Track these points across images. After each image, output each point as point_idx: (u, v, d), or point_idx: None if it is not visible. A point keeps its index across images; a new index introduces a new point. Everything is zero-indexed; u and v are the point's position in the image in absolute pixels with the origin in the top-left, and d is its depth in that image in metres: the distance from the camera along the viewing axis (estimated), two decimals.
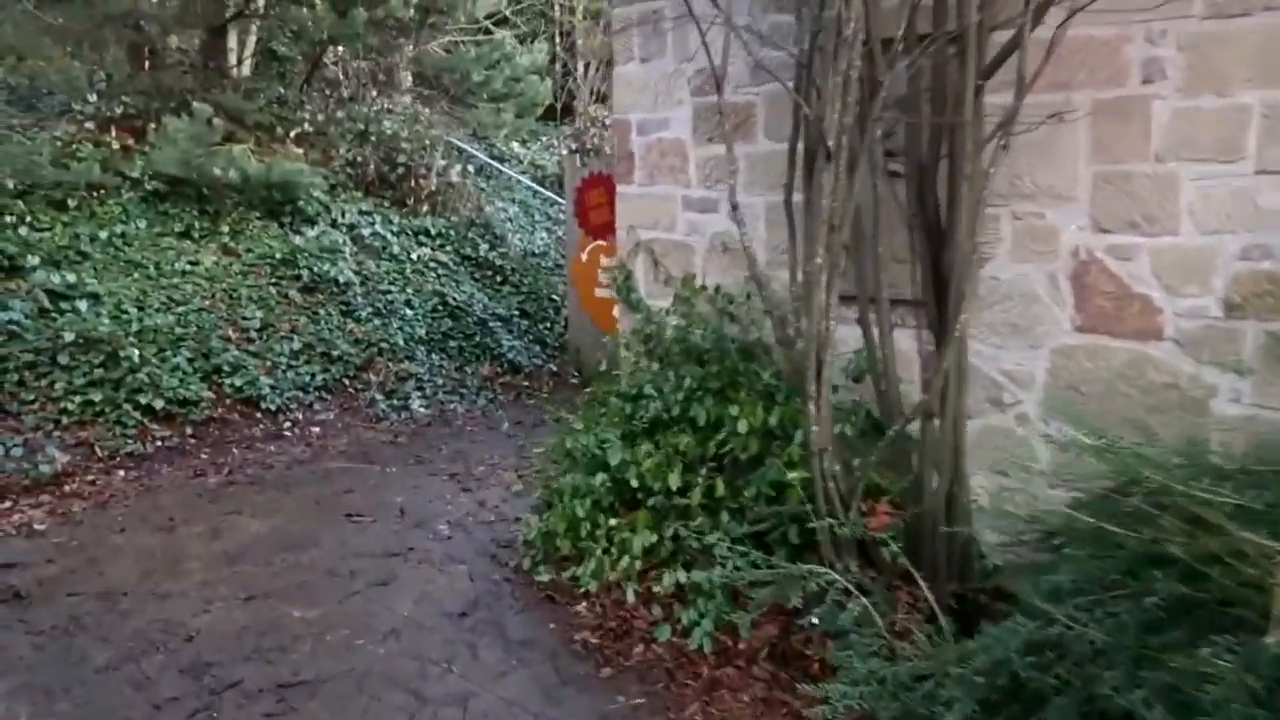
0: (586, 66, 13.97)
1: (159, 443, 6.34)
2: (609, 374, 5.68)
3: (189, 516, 5.36)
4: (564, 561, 4.54)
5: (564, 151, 12.30)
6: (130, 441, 6.17)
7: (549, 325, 9.68)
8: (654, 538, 4.21)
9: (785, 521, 3.86)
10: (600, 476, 4.50)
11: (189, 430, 6.57)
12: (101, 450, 6.01)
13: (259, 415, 7.07)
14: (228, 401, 6.99)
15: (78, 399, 6.18)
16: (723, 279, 4.99)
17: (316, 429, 7.19)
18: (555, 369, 9.22)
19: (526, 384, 8.79)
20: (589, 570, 4.31)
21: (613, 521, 4.41)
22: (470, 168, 10.95)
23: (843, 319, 3.71)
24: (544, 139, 12.99)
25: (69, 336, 6.37)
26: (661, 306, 5.28)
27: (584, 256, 8.95)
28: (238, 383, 7.04)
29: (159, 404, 6.47)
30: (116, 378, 6.42)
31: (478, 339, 8.80)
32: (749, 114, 4.74)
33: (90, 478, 5.79)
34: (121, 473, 5.95)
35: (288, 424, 7.13)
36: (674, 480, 4.20)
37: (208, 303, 7.64)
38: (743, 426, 4.13)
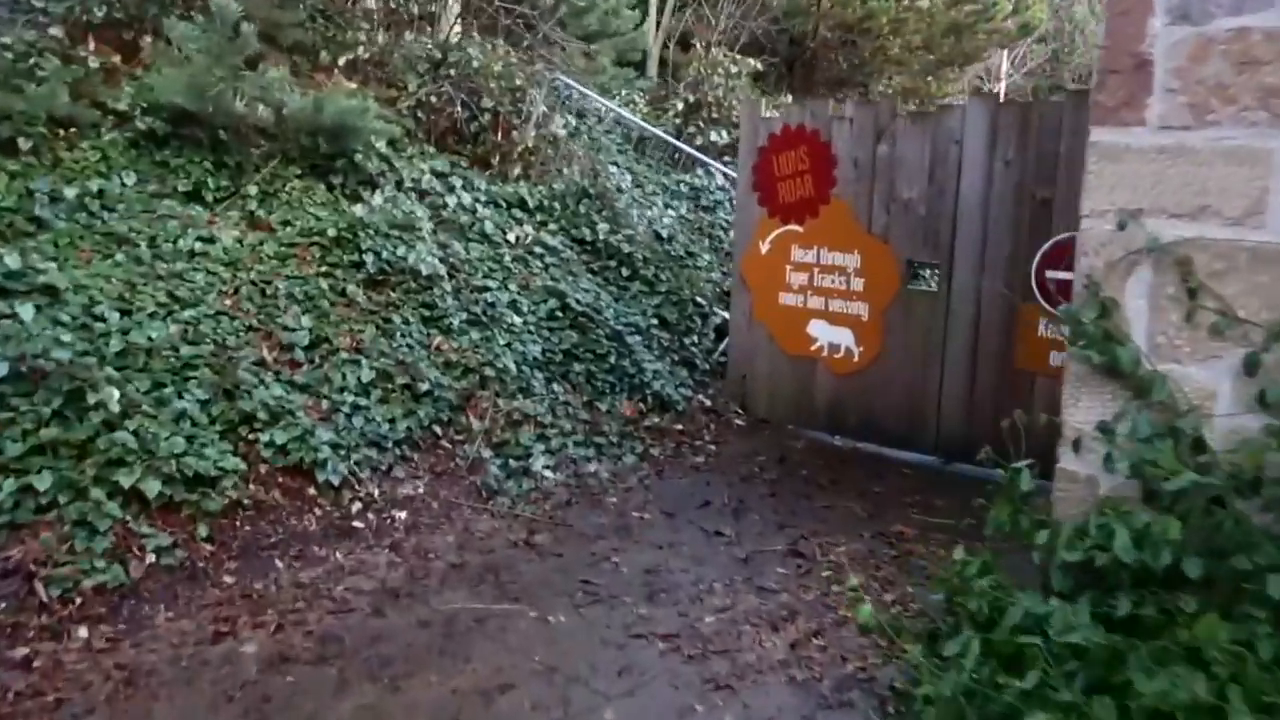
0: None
1: (152, 557, 3.65)
2: (1026, 503, 3.00)
3: None
4: None
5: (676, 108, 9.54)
6: (102, 564, 3.49)
7: (696, 339, 6.98)
8: None
9: None
10: None
11: (203, 529, 3.88)
12: (49, 589, 3.32)
13: (313, 492, 4.38)
14: (264, 470, 4.31)
15: (7, 484, 3.49)
16: None
17: (403, 514, 4.51)
18: (709, 403, 6.55)
19: (681, 428, 6.11)
20: None
21: None
22: (573, 118, 8.21)
23: None
24: (642, 93, 10.22)
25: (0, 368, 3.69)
26: (1200, 384, 2.61)
27: (764, 246, 6.25)
28: (280, 439, 4.36)
29: (154, 486, 3.78)
30: (80, 439, 3.74)
31: (612, 360, 6.11)
32: None
33: (22, 651, 3.11)
34: (83, 633, 3.26)
35: (357, 506, 4.45)
36: None
37: (229, 302, 4.93)
38: None
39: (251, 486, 4.21)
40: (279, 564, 3.94)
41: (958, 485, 5.32)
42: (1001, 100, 5.28)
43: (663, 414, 6.17)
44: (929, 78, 13.25)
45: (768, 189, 6.18)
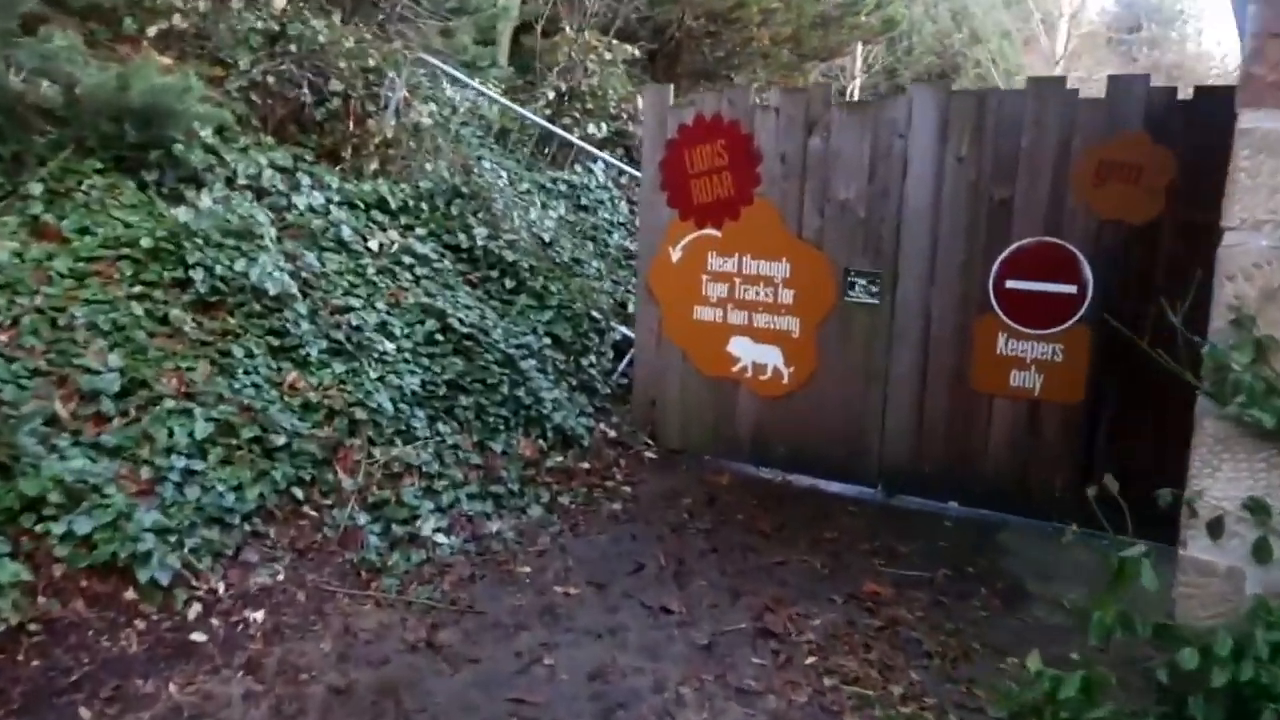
0: None
1: None
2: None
3: None
4: None
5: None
6: None
7: (594, 360, 6.11)
8: None
9: None
10: None
11: None
12: None
13: (133, 598, 3.26)
14: (59, 576, 3.14)
15: None
16: None
17: (259, 614, 3.44)
18: (615, 434, 5.70)
19: (588, 467, 5.24)
20: None
21: None
22: (438, 106, 7.13)
23: None
24: (497, 82, 9.18)
25: None
26: None
27: (676, 253, 5.47)
28: (82, 528, 3.21)
29: None
30: None
31: (504, 390, 5.15)
32: None
33: None
34: None
35: (196, 610, 3.35)
36: None
37: (3, 338, 3.70)
38: None
39: (41, 600, 3.05)
40: (84, 713, 2.81)
41: (911, 524, 4.71)
42: (954, 89, 4.71)
43: (566, 451, 5.27)
44: (795, 72, 12.85)
45: (679, 188, 5.39)
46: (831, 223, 4.98)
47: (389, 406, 4.56)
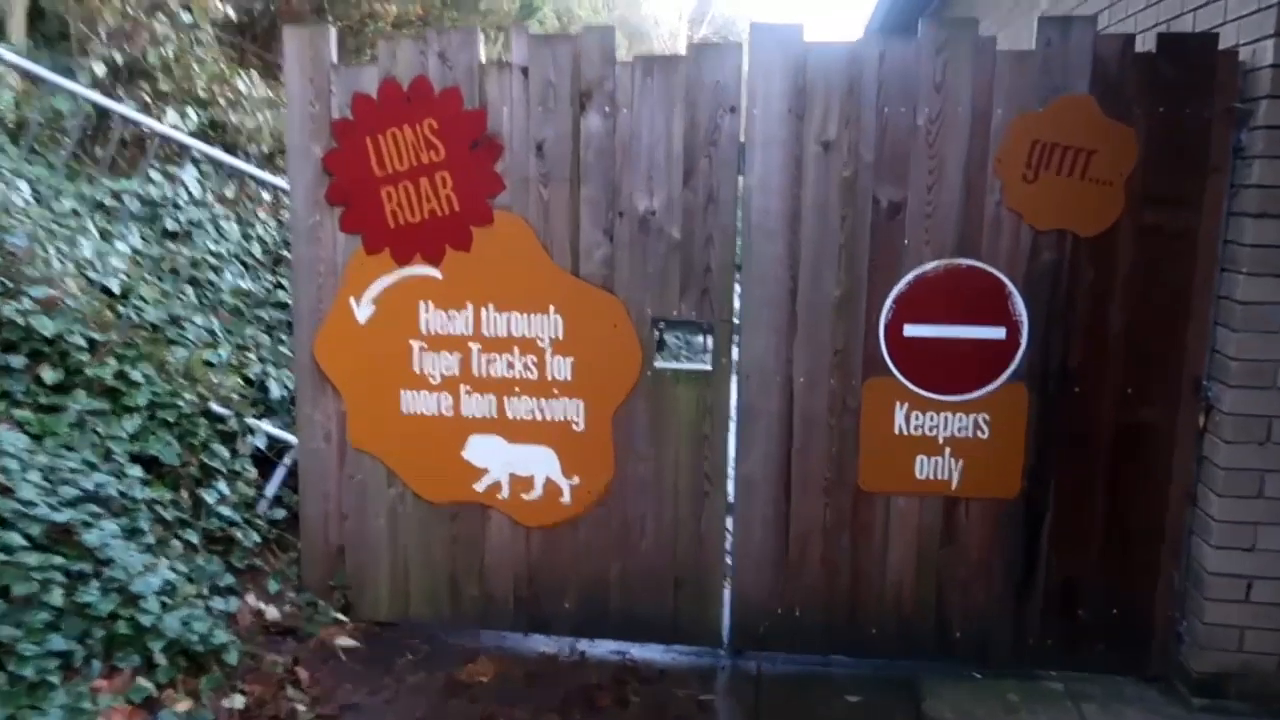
0: None
1: None
2: None
3: None
4: None
5: None
6: None
7: (226, 489, 3.66)
8: None
9: None
10: None
11: None
12: None
13: None
14: None
15: None
16: None
17: None
18: (279, 614, 3.39)
19: (240, 707, 2.90)
20: None
21: None
22: None
23: None
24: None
25: None
26: None
27: (361, 308, 3.31)
28: None
29: None
30: None
31: (54, 601, 2.64)
32: None
33: None
34: None
35: None
36: None
37: None
38: None
39: None
40: None
41: (794, 707, 3.04)
42: (808, 38, 3.07)
43: (197, 677, 2.88)
44: None
45: (361, 200, 3.22)
46: (627, 249, 3.14)
47: None
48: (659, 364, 3.20)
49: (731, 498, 3.26)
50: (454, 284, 3.23)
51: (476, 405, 3.29)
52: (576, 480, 3.29)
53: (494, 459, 3.33)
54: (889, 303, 3.04)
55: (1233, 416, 2.87)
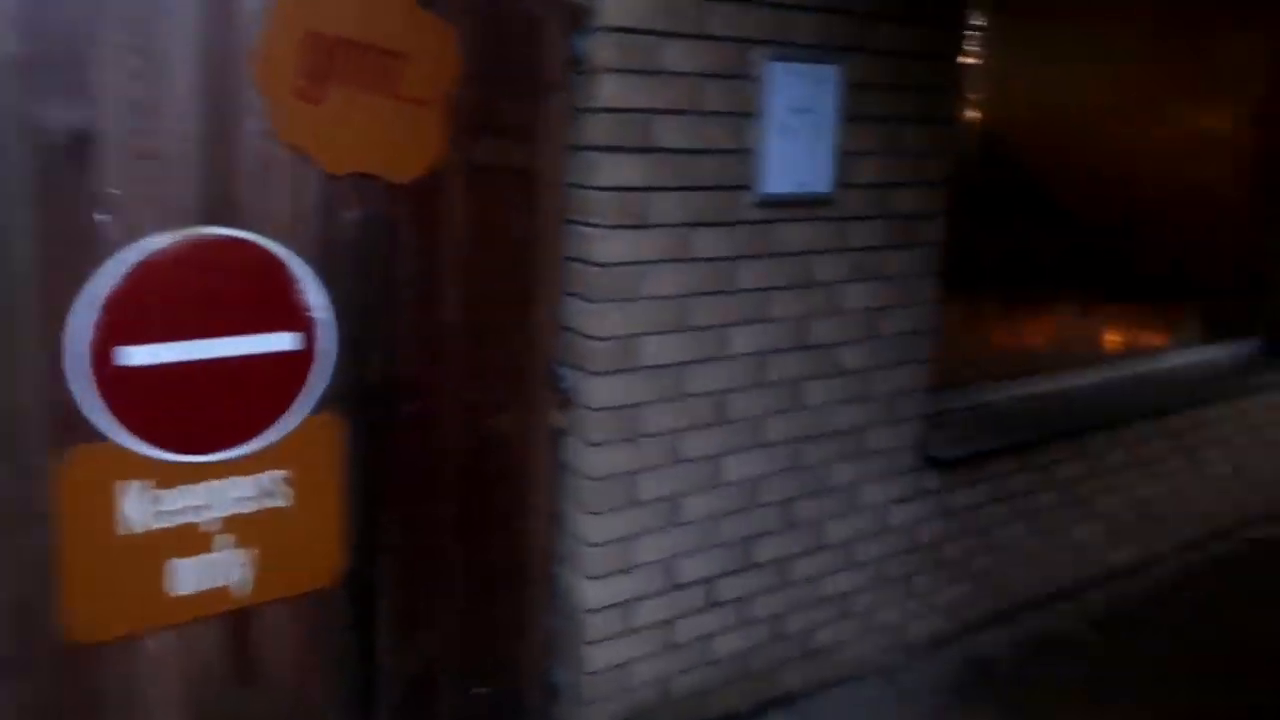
0: None
1: None
2: None
3: None
4: None
5: None
6: None
7: None
8: None
9: None
10: None
11: None
12: None
13: None
14: None
15: None
16: None
17: None
18: None
19: None
20: None
21: None
22: None
23: None
24: None
25: None
26: None
27: None
28: None
29: None
30: None
31: None
32: None
33: None
34: None
35: None
36: None
37: None
38: None
39: None
40: None
41: None
42: None
43: None
44: None
45: None
46: None
47: None
48: None
49: None
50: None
51: None
52: None
53: None
54: (89, 311, 1.64)
55: (599, 411, 2.22)
